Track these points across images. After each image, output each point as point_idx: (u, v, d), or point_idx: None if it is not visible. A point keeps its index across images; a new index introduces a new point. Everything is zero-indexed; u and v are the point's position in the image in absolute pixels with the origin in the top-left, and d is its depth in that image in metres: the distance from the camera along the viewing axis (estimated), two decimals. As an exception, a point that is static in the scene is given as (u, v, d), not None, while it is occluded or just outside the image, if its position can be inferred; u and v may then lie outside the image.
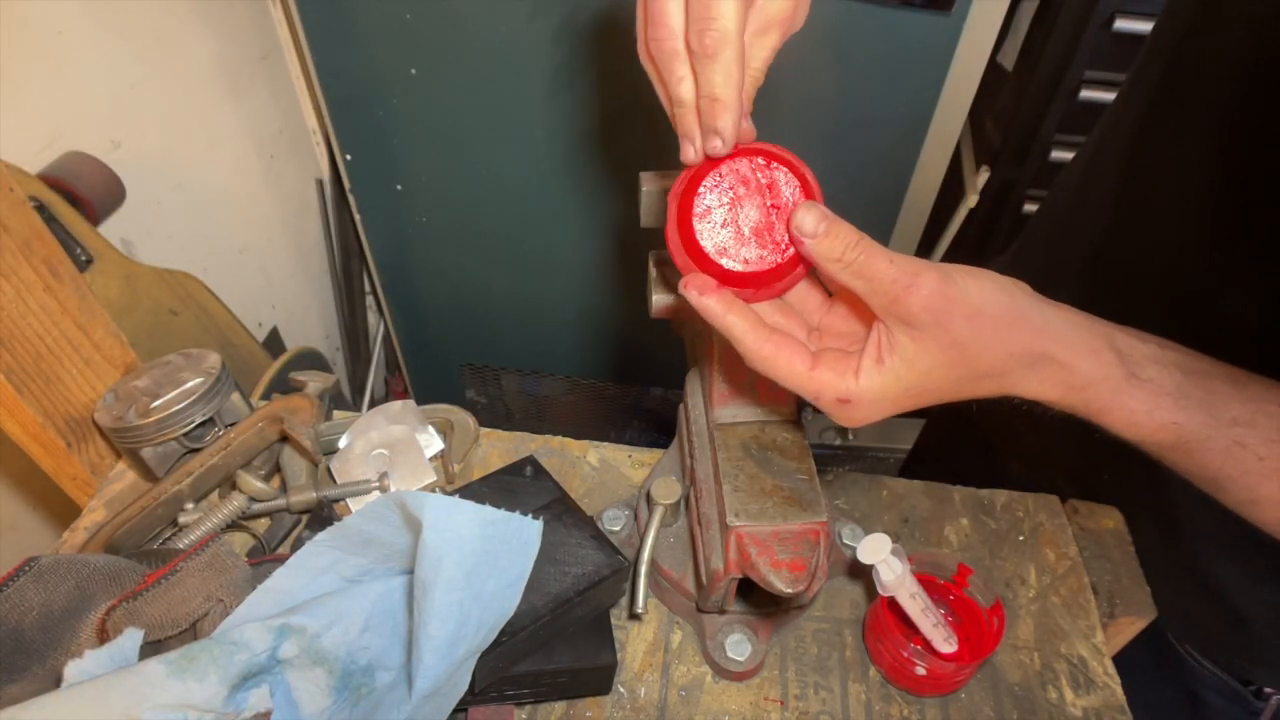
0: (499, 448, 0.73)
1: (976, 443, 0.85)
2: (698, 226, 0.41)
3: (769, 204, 0.41)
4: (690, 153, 0.42)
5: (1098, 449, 0.70)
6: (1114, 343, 0.43)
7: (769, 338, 0.40)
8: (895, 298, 0.37)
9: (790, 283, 0.44)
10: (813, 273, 0.45)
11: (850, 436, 1.52)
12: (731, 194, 0.41)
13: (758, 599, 0.58)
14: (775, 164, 0.41)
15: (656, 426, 1.74)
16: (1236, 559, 0.61)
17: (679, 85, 0.40)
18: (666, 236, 0.43)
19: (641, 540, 0.55)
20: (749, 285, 0.42)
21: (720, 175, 0.41)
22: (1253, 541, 0.60)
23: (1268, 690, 0.65)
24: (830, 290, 0.46)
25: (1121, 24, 1.14)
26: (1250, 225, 0.54)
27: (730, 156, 0.41)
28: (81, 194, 0.93)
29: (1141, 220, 0.63)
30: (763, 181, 0.41)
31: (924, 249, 1.44)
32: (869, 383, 0.39)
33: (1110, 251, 0.66)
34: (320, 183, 1.53)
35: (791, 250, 0.41)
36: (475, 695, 0.51)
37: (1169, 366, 0.43)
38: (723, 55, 0.38)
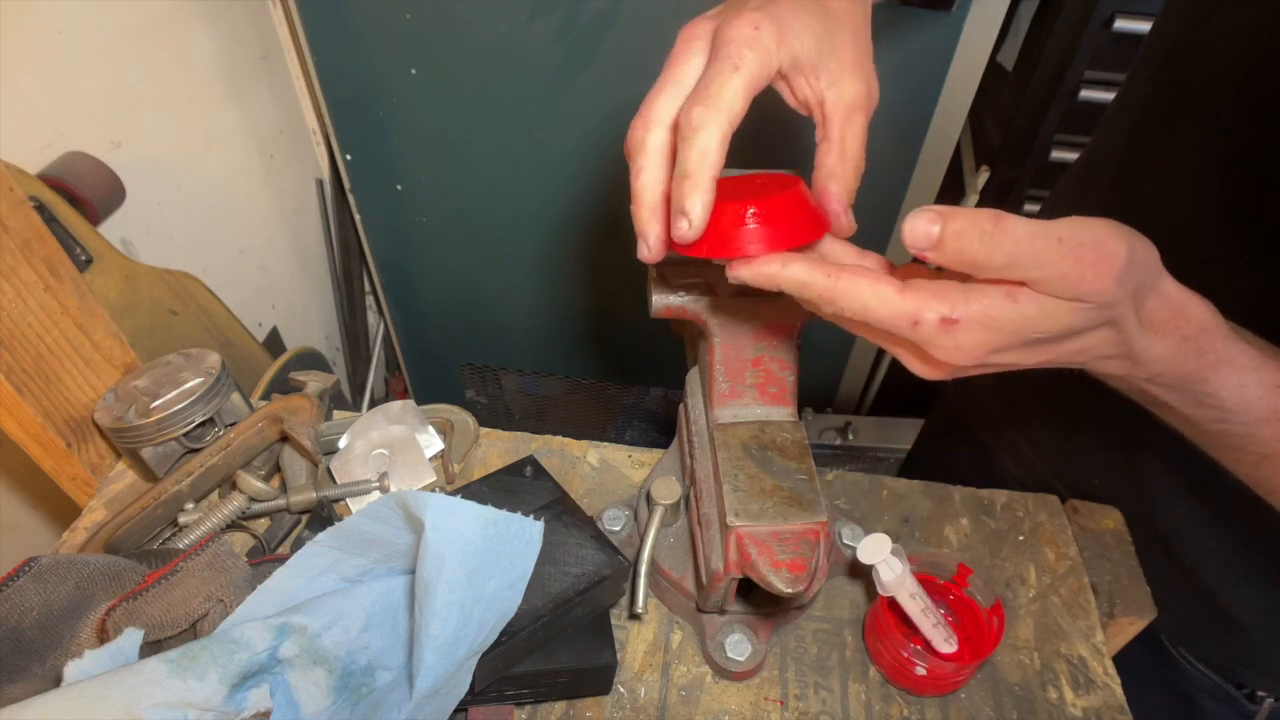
0: (499, 448, 0.73)
1: (972, 446, 0.85)
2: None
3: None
4: (643, 250, 0.39)
5: (1087, 454, 0.71)
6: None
7: (841, 271, 0.35)
8: (1081, 278, 0.32)
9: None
10: None
11: (851, 437, 1.52)
12: None
13: (758, 599, 0.58)
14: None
15: (656, 426, 1.74)
16: (1228, 562, 0.61)
17: (634, 177, 0.39)
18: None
19: (641, 540, 0.55)
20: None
21: None
22: (1244, 545, 0.60)
23: (1261, 694, 0.65)
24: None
25: (1121, 24, 1.14)
26: (1241, 237, 0.54)
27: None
28: (81, 194, 0.93)
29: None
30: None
31: (924, 249, 1.44)
32: (979, 305, 0.33)
33: None
34: (320, 183, 1.53)
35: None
36: (475, 695, 0.51)
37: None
38: (703, 132, 0.36)
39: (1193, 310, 0.38)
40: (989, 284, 0.34)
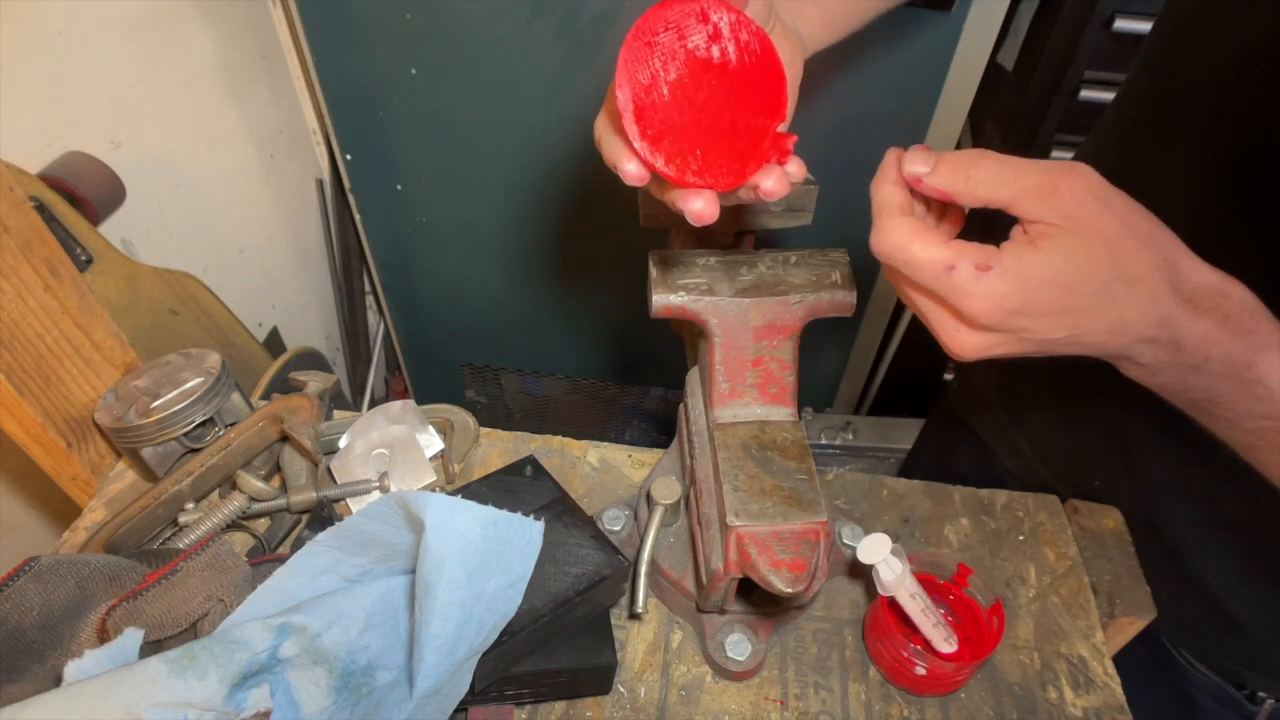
0: (499, 448, 0.73)
1: (972, 446, 0.85)
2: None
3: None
4: (630, 173, 0.41)
5: (1087, 454, 0.71)
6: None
7: (909, 214, 0.39)
8: (1054, 186, 0.35)
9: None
10: None
11: (851, 437, 1.52)
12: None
13: (758, 599, 0.58)
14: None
15: (656, 426, 1.74)
16: (1228, 562, 0.61)
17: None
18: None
19: (641, 540, 0.55)
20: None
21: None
22: (1244, 545, 0.60)
23: (1261, 694, 0.65)
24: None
25: (1121, 24, 1.14)
26: (1238, 237, 0.53)
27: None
28: (81, 194, 0.93)
29: None
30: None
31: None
32: (1014, 258, 0.35)
33: None
34: (320, 183, 1.53)
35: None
36: (475, 695, 0.51)
37: None
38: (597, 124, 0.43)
39: (1232, 290, 0.38)
40: (1013, 241, 0.36)
